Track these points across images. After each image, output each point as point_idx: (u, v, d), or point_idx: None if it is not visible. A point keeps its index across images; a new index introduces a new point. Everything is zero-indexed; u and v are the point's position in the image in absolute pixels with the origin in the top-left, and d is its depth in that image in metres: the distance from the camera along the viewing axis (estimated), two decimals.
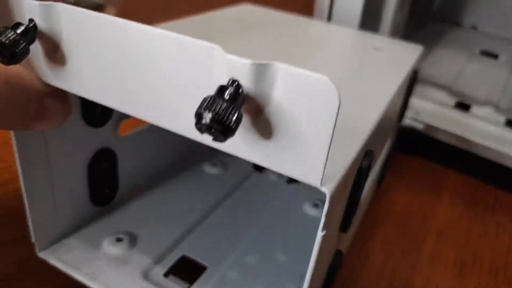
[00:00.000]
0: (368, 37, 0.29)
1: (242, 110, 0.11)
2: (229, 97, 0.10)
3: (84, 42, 0.13)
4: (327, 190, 0.12)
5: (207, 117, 0.10)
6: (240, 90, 0.11)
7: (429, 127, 0.34)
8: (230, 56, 0.11)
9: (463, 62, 0.43)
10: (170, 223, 0.24)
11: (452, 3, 0.52)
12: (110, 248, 0.22)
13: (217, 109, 0.10)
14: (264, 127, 0.11)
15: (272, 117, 0.11)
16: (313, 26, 0.30)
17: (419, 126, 0.34)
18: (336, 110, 0.10)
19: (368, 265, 0.27)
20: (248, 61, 0.10)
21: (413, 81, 0.27)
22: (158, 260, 0.22)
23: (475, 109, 0.36)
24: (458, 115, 0.35)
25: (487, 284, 0.27)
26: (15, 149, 0.18)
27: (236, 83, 0.11)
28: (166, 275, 0.21)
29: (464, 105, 0.37)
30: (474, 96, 0.37)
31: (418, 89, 0.38)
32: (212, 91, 0.11)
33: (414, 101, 0.36)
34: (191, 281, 0.22)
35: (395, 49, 0.28)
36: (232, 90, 0.10)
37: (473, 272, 0.28)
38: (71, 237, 0.22)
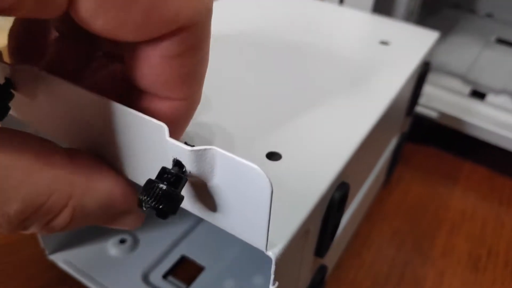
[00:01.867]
0: (380, 23, 0.28)
1: (189, 183, 0.12)
2: (169, 180, 0.11)
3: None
4: (272, 255, 0.12)
5: (144, 203, 0.11)
6: (184, 169, 0.11)
7: (443, 115, 0.33)
8: (172, 141, 0.11)
9: (478, 49, 0.41)
10: (169, 224, 0.24)
11: None
12: (114, 250, 0.23)
13: (153, 195, 0.11)
14: (210, 198, 0.12)
15: (215, 192, 0.12)
16: (324, 10, 0.29)
17: (433, 114, 0.33)
18: (269, 198, 0.11)
19: (380, 258, 0.27)
20: (187, 148, 0.11)
21: (424, 73, 0.26)
22: (158, 262, 0.23)
23: (491, 98, 0.35)
24: (473, 103, 0.34)
25: (503, 279, 0.26)
26: None
27: (180, 163, 0.11)
28: (165, 276, 0.22)
29: (479, 93, 0.35)
30: (490, 84, 0.36)
31: (432, 77, 0.36)
32: (166, 163, 0.12)
33: (428, 89, 0.35)
34: (189, 282, 0.22)
35: (405, 39, 0.26)
36: (173, 171, 0.11)
37: (488, 266, 0.27)
38: (78, 240, 0.23)
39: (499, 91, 0.35)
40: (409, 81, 0.24)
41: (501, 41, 0.43)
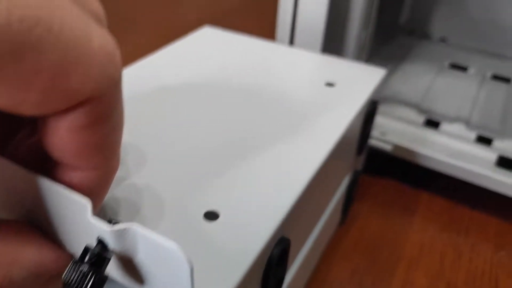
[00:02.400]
0: (328, 63, 0.28)
1: (116, 256, 0.12)
2: (90, 261, 0.11)
3: None
4: None
5: (68, 286, 0.11)
6: (107, 247, 0.11)
7: (397, 147, 0.33)
8: (93, 220, 0.11)
9: (432, 76, 0.42)
10: None
11: (420, 15, 0.51)
12: None
13: (76, 279, 0.11)
14: (137, 271, 0.12)
15: (141, 267, 0.12)
16: (273, 51, 0.29)
17: (387, 148, 0.33)
18: (189, 276, 0.11)
19: None
20: (107, 229, 0.11)
21: (372, 111, 0.26)
22: None
23: (445, 126, 0.35)
24: (427, 133, 0.34)
25: None
26: None
27: (102, 242, 0.11)
28: None
29: (433, 122, 0.36)
30: (444, 112, 0.37)
31: (386, 108, 0.37)
32: (91, 239, 0.12)
33: (382, 120, 0.35)
34: None
35: (352, 79, 0.26)
36: (96, 251, 0.11)
37: None
38: None
39: (453, 119, 0.36)
40: (355, 121, 0.23)
41: (454, 66, 0.45)
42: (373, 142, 0.33)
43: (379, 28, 0.50)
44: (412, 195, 0.34)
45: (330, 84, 0.25)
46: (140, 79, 0.25)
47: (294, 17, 0.32)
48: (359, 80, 0.26)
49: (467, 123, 0.35)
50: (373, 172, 0.35)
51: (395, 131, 0.34)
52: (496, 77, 0.43)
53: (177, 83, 0.24)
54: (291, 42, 0.33)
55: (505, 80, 0.43)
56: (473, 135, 0.34)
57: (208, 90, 0.24)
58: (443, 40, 0.51)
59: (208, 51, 0.28)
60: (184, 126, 0.21)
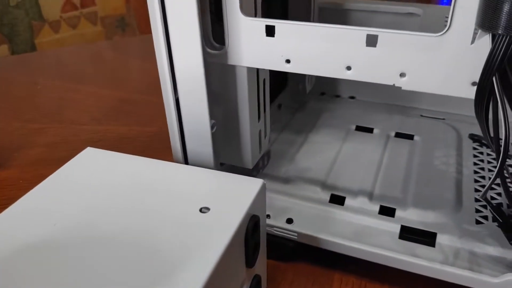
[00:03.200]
0: (205, 180, 0.28)
1: None
2: None
3: None
4: None
5: None
6: None
7: (303, 235, 0.33)
8: None
9: (339, 144, 0.43)
10: None
11: (326, 79, 0.54)
12: None
13: None
14: None
15: None
16: (152, 172, 0.29)
17: (293, 236, 0.33)
18: None
19: None
20: None
21: (255, 223, 0.26)
22: None
23: (349, 201, 0.36)
24: (332, 212, 0.35)
25: None
26: None
27: None
28: None
29: (338, 198, 0.36)
30: (348, 187, 0.37)
31: (292, 188, 0.37)
32: None
33: (287, 204, 0.36)
34: None
35: (228, 199, 0.26)
36: None
37: None
38: None
39: (356, 193, 0.37)
40: (234, 241, 0.23)
41: (360, 128, 0.46)
42: (278, 232, 0.33)
43: (288, 98, 0.52)
44: (325, 276, 0.34)
45: (204, 209, 0.25)
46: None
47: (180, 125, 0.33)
48: (235, 198, 0.26)
49: (370, 195, 0.36)
50: (285, 259, 0.35)
51: (300, 215, 0.35)
52: (400, 135, 0.45)
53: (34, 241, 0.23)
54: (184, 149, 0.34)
55: (408, 136, 0.45)
56: (376, 207, 0.35)
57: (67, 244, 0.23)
58: (352, 97, 0.54)
59: (87, 178, 0.27)
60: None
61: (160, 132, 0.55)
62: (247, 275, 0.27)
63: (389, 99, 0.52)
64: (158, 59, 0.30)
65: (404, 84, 0.27)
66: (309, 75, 0.52)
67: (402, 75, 0.27)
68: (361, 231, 0.33)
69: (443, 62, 0.25)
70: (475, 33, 0.24)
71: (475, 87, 0.25)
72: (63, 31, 1.33)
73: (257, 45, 0.29)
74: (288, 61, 0.29)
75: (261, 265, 0.30)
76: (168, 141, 0.54)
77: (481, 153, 0.42)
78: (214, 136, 0.33)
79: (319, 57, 0.28)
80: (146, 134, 0.55)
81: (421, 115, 0.49)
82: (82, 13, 1.35)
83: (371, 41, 0.27)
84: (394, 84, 0.27)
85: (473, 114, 0.26)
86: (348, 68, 0.28)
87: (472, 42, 0.24)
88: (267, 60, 0.29)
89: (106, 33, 1.39)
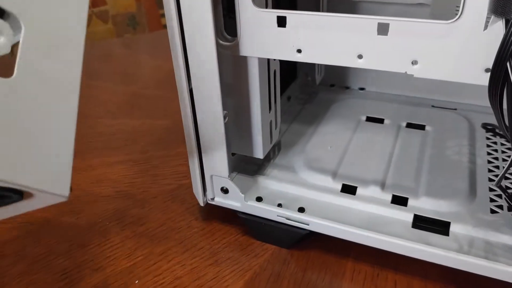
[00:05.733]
0: None
1: None
2: None
3: None
4: None
5: None
6: None
7: (315, 224, 0.33)
8: None
9: (350, 134, 0.43)
10: None
11: (335, 71, 0.54)
12: None
13: None
14: None
15: None
16: None
17: (306, 226, 0.33)
18: None
19: None
20: None
21: None
22: None
23: (361, 191, 0.36)
24: (344, 201, 0.35)
25: None
26: None
27: None
28: None
29: (350, 188, 0.36)
30: (359, 177, 0.37)
31: (303, 176, 0.37)
32: None
33: (299, 192, 0.36)
34: None
35: None
36: None
37: None
38: None
39: (369, 182, 0.37)
40: None
41: (371, 119, 0.46)
42: (290, 221, 0.34)
43: (298, 90, 0.52)
44: (337, 264, 0.34)
45: None
46: None
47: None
48: None
49: (383, 184, 0.36)
50: (297, 246, 0.35)
51: (312, 204, 0.35)
52: (411, 125, 0.45)
53: None
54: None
55: (419, 126, 0.45)
56: (389, 197, 0.35)
57: None
58: (362, 88, 0.53)
59: None
60: None
61: (172, 125, 0.56)
62: None
63: (399, 90, 0.51)
64: (173, 50, 0.31)
65: (416, 71, 0.27)
66: (319, 66, 0.52)
67: (414, 62, 0.27)
68: (373, 220, 0.33)
69: (455, 49, 0.25)
70: (487, 19, 0.24)
71: (489, 74, 0.25)
72: None
73: (269, 35, 0.29)
74: (299, 51, 0.29)
75: None
76: (179, 134, 0.54)
77: (495, 143, 0.41)
78: (226, 127, 0.33)
79: (330, 46, 0.28)
80: (158, 127, 0.56)
81: (432, 106, 0.49)
82: (94, 11, 1.37)
83: (383, 29, 0.27)
84: (406, 72, 0.27)
85: (486, 104, 0.26)
86: (360, 56, 0.28)
87: (485, 28, 0.24)
88: (278, 51, 0.30)
89: (117, 31, 1.40)
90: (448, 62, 0.26)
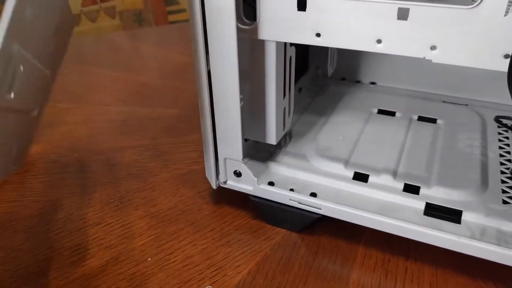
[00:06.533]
0: None
1: None
2: None
3: None
4: None
5: None
6: None
7: (328, 208, 0.33)
8: None
9: (361, 125, 0.44)
10: None
11: (347, 65, 0.54)
12: None
13: None
14: None
15: None
16: None
17: (318, 210, 0.34)
18: None
19: None
20: None
21: None
22: None
23: (373, 179, 0.36)
24: (356, 188, 0.35)
25: None
26: None
27: None
28: None
29: (362, 176, 0.37)
30: (371, 165, 0.38)
31: (315, 164, 0.38)
32: None
33: (311, 179, 0.36)
34: None
35: None
36: None
37: None
38: None
39: (381, 171, 0.37)
40: None
41: (382, 112, 0.47)
42: (302, 205, 0.34)
43: (309, 82, 0.52)
44: (348, 249, 0.34)
45: None
46: None
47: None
48: None
49: (394, 173, 0.37)
50: (307, 230, 0.36)
51: (324, 190, 0.35)
52: (422, 118, 0.45)
53: None
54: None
55: (431, 120, 0.45)
56: (400, 185, 0.35)
57: None
58: (373, 83, 0.54)
59: None
60: None
61: (182, 114, 0.56)
62: None
63: (410, 85, 0.51)
64: (193, 31, 0.31)
65: (435, 57, 0.27)
66: (331, 58, 0.52)
67: (432, 48, 0.27)
68: (385, 207, 0.33)
69: (475, 34, 0.25)
70: (508, 5, 0.24)
71: (508, 60, 0.25)
72: (83, 24, 1.36)
73: (288, 19, 0.30)
74: (318, 35, 0.29)
75: None
76: (189, 122, 0.55)
77: (507, 137, 0.42)
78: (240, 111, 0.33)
79: (349, 30, 0.28)
80: (168, 115, 0.56)
81: (443, 101, 0.49)
82: (101, 7, 1.38)
83: (402, 14, 0.27)
84: (424, 57, 0.27)
85: (497, 100, 0.26)
86: (379, 41, 0.28)
87: (506, 14, 0.24)
88: (297, 34, 0.30)
89: (124, 27, 1.41)
90: (467, 48, 0.26)
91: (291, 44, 0.36)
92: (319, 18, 0.29)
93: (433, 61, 0.27)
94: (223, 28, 0.30)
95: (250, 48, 0.33)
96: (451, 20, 0.26)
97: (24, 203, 0.41)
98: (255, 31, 0.31)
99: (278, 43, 0.33)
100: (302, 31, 0.30)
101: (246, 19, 0.32)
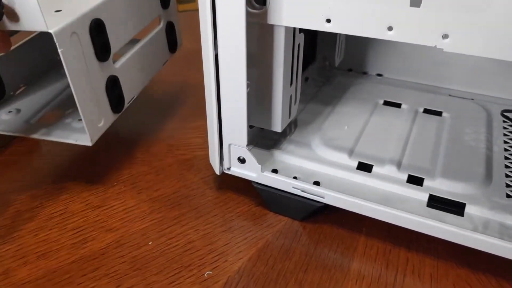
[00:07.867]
0: None
1: None
2: None
3: None
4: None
5: None
6: None
7: (331, 197, 0.33)
8: None
9: (367, 116, 0.43)
10: None
11: (354, 55, 0.53)
12: None
13: None
14: None
15: None
16: None
17: (321, 199, 0.33)
18: None
19: None
20: None
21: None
22: None
23: (377, 169, 0.36)
24: (359, 178, 0.35)
25: None
26: None
27: None
28: None
29: (366, 166, 0.36)
30: (376, 155, 0.37)
31: (319, 153, 0.38)
32: None
33: (315, 167, 0.36)
34: None
35: None
36: None
37: None
38: None
39: (385, 161, 0.37)
40: None
41: (388, 103, 0.46)
42: (305, 193, 0.34)
43: (315, 72, 0.52)
44: (350, 238, 0.34)
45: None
46: None
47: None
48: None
49: (399, 164, 0.36)
50: (309, 219, 0.35)
51: (327, 179, 0.35)
52: (428, 111, 0.45)
53: None
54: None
55: (437, 113, 0.45)
56: (404, 176, 0.35)
57: None
58: (379, 75, 0.53)
59: None
60: None
61: (189, 100, 0.56)
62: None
63: (417, 78, 0.51)
64: (201, 13, 0.31)
65: (446, 45, 0.27)
66: (339, 48, 0.51)
67: (444, 36, 0.27)
68: (389, 197, 0.33)
69: (489, 23, 0.25)
70: None
71: None
72: None
73: (298, 4, 0.29)
74: (328, 20, 0.29)
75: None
76: (195, 109, 0.54)
77: None
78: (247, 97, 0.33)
79: (360, 16, 0.28)
80: (175, 100, 0.56)
81: (450, 95, 0.48)
82: None
83: (416, 1, 0.27)
84: (435, 46, 0.27)
85: (503, 96, 0.26)
86: (390, 28, 0.28)
87: None
88: (307, 19, 0.30)
89: None
90: (479, 37, 0.26)
91: (300, 31, 0.35)
92: (329, 3, 0.28)
93: (444, 49, 0.27)
94: (232, 11, 0.30)
95: (259, 33, 0.33)
96: (466, 8, 0.25)
97: (23, 183, 0.41)
98: (264, 15, 0.31)
99: (287, 29, 0.32)
100: (313, 16, 0.29)
101: (256, 3, 0.32)
